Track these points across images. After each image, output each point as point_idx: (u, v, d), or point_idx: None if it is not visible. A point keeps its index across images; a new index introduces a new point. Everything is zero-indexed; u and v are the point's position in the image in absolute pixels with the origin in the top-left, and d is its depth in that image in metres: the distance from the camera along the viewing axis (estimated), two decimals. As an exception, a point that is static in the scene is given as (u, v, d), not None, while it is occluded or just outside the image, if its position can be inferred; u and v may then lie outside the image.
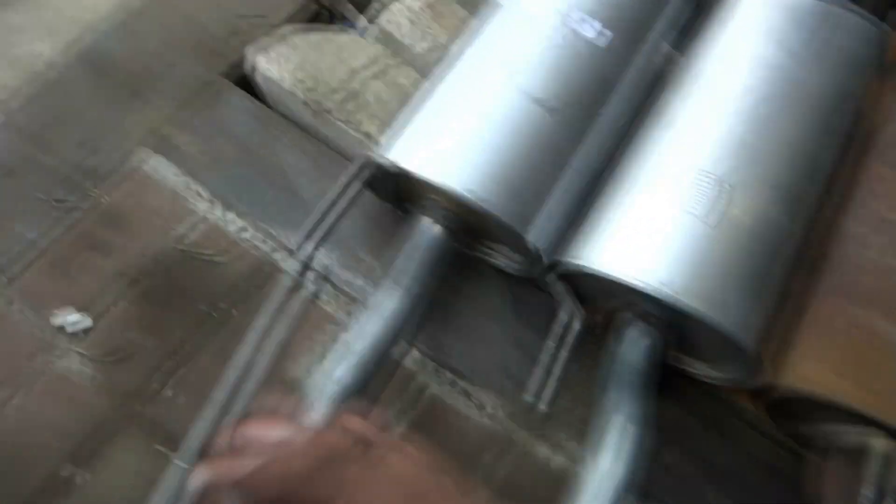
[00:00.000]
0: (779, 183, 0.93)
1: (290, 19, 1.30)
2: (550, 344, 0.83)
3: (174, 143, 1.17)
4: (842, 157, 1.01)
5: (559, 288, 0.94)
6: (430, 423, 0.99)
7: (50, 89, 1.21)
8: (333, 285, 1.07)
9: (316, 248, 0.90)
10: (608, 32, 1.03)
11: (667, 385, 0.96)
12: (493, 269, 1.07)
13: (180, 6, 1.31)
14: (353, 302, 1.05)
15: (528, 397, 0.81)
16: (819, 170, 0.97)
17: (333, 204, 0.91)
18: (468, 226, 0.99)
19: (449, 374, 1.02)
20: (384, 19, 1.28)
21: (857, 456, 0.87)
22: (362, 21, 1.35)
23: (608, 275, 0.88)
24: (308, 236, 0.88)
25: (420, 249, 0.95)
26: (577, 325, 0.85)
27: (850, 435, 0.90)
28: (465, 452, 0.98)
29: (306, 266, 0.92)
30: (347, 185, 0.92)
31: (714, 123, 0.97)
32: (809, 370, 0.89)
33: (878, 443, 0.86)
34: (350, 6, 1.39)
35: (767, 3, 1.06)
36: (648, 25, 1.09)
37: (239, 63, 1.25)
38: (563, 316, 0.86)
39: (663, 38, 1.11)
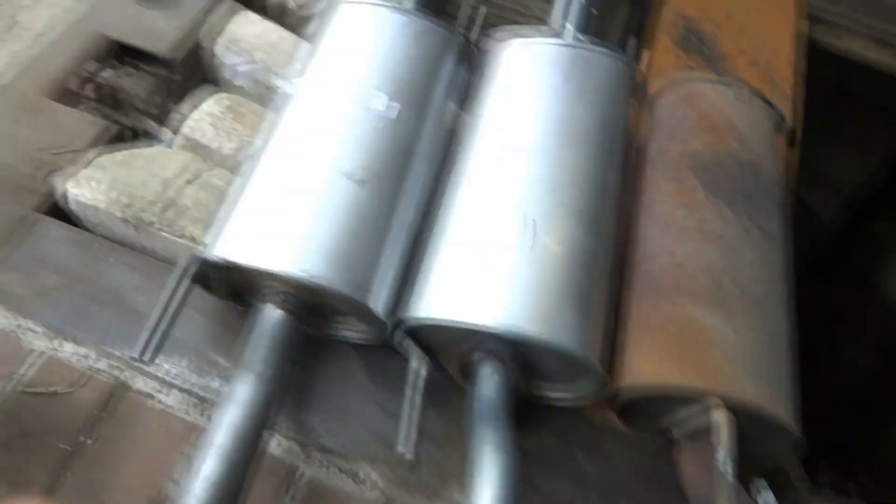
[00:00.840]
0: (576, 208, 1.04)
1: (94, 143, 1.30)
2: (407, 392, 0.87)
3: (-2, 288, 1.13)
4: (624, 174, 1.15)
5: (405, 342, 1.00)
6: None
7: None
8: (189, 393, 1.06)
9: (156, 352, 0.90)
10: (396, 104, 1.12)
11: (534, 415, 1.04)
12: (345, 343, 1.11)
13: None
14: (215, 400, 1.06)
15: (399, 448, 0.85)
16: (607, 189, 1.10)
17: (167, 307, 0.91)
18: (308, 304, 1.03)
19: (319, 454, 1.04)
20: (187, 128, 1.31)
21: (706, 435, 0.96)
22: (166, 133, 1.38)
23: (443, 322, 0.95)
24: (147, 343, 0.88)
25: (266, 335, 0.97)
26: (423, 372, 0.90)
27: (694, 417, 1.00)
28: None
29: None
30: (177, 285, 0.93)
31: (510, 166, 1.08)
32: (639, 365, 1.00)
33: (718, 414, 0.96)
34: (150, 121, 1.41)
35: (528, 56, 1.21)
36: (430, 91, 1.20)
37: (49, 194, 1.23)
38: (413, 364, 0.91)
39: (447, 100, 1.22)
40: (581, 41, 1.25)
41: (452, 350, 1.00)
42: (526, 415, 1.01)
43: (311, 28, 1.56)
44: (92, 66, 1.41)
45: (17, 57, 1.59)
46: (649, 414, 1.05)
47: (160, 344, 0.89)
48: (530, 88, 1.16)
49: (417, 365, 0.90)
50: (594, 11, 1.35)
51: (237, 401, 0.86)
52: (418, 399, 0.87)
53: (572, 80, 1.16)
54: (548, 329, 0.93)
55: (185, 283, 0.95)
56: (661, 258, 1.09)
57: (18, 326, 1.10)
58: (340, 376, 1.10)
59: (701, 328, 1.00)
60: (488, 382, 0.96)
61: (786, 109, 1.42)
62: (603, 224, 1.06)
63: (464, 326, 0.94)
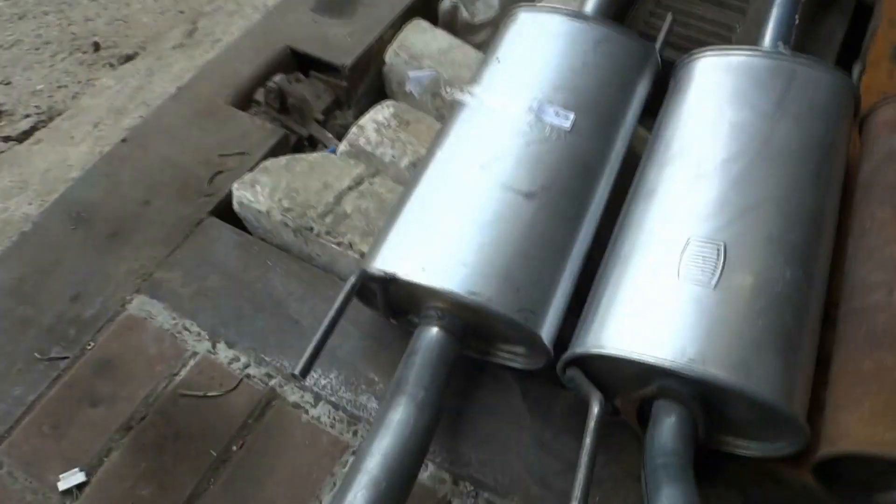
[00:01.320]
0: (775, 236, 0.91)
1: (272, 153, 1.30)
2: (586, 441, 0.77)
3: (161, 283, 1.14)
4: (837, 205, 1.00)
5: (577, 377, 0.90)
6: (457, 541, 0.92)
7: (27, 242, 1.19)
8: (339, 408, 1.02)
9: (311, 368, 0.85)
10: (570, 114, 1.04)
11: (716, 469, 0.91)
12: (503, 370, 1.03)
13: (159, 150, 1.31)
14: (363, 417, 1.00)
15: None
16: (815, 217, 0.95)
17: (331, 325, 0.87)
18: (470, 326, 0.95)
19: (470, 486, 0.96)
20: (352, 134, 1.28)
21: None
22: (333, 139, 1.37)
23: (624, 357, 0.84)
24: (311, 359, 0.83)
25: (425, 356, 0.91)
26: (599, 412, 0.79)
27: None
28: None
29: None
30: (344, 303, 0.89)
31: (695, 189, 0.96)
32: (848, 425, 0.84)
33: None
34: (318, 127, 1.40)
35: (723, 67, 1.08)
36: (610, 102, 1.10)
37: (217, 195, 1.24)
38: (591, 405, 0.81)
39: (629, 113, 1.12)
40: (783, 52, 1.11)
41: (629, 390, 0.89)
42: (705, 462, 0.88)
43: (482, 37, 1.51)
44: (265, 71, 1.42)
45: (196, 61, 1.65)
46: (856, 482, 0.89)
47: (313, 363, 0.84)
48: (725, 102, 1.04)
49: (594, 405, 0.80)
50: (797, 20, 1.21)
51: (392, 426, 0.79)
52: (593, 444, 0.77)
53: (773, 93, 1.03)
54: (743, 375, 0.81)
55: (350, 298, 0.90)
56: (874, 297, 0.93)
57: (177, 326, 1.10)
58: (498, 405, 1.01)
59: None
60: (669, 430, 0.84)
61: None
62: (809, 256, 0.92)
63: (647, 364, 0.83)
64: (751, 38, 1.27)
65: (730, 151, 0.97)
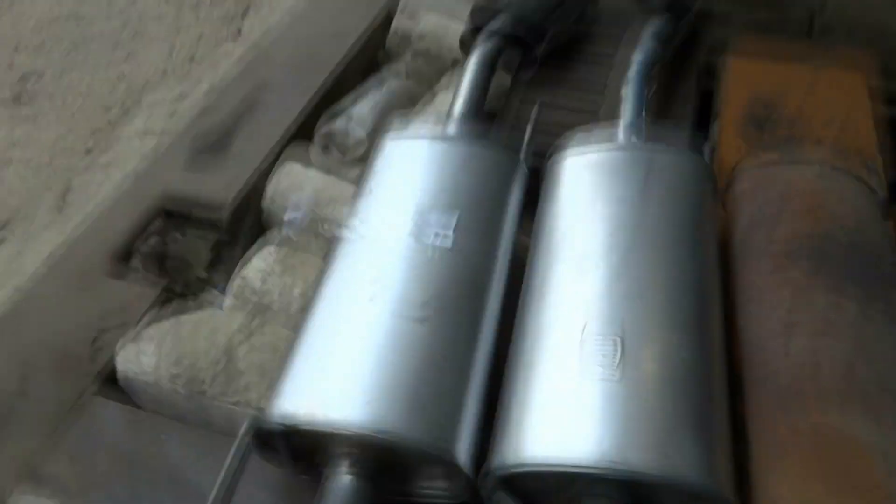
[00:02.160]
0: (668, 321, 0.92)
1: (155, 318, 1.24)
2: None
3: (49, 475, 1.04)
4: (718, 277, 1.03)
5: (499, 497, 0.86)
6: None
7: None
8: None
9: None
10: (451, 233, 1.04)
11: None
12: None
13: (32, 332, 1.24)
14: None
15: None
16: (701, 292, 0.97)
17: (229, 479, 0.81)
18: (383, 464, 0.91)
19: None
20: (237, 286, 1.25)
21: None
22: (216, 294, 1.33)
23: (540, 466, 0.82)
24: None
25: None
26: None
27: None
28: None
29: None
30: (237, 455, 0.83)
31: (582, 285, 0.97)
32: (780, 492, 0.84)
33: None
34: (211, 286, 1.36)
35: (585, 168, 1.13)
36: (486, 215, 1.12)
37: (100, 371, 1.17)
38: None
39: (505, 221, 1.13)
40: (636, 143, 1.17)
41: (559, 496, 0.86)
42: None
43: (355, 172, 1.53)
44: (148, 234, 1.38)
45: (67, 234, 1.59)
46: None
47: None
48: (593, 198, 1.07)
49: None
50: (645, 104, 1.28)
51: None
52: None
53: (635, 183, 1.07)
54: (666, 461, 0.79)
55: (245, 452, 0.84)
56: (774, 362, 0.95)
57: (69, 522, 1.00)
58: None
59: (843, 436, 0.84)
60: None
61: (872, 182, 1.30)
62: (703, 331, 0.93)
63: (565, 469, 0.81)
64: (613, 115, 1.33)
65: (607, 244, 0.99)
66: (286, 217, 1.37)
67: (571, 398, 0.86)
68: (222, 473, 0.82)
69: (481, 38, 1.47)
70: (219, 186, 1.46)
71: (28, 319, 1.26)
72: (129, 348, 1.15)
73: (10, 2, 2.48)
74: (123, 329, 1.22)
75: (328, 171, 1.47)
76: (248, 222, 1.45)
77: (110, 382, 1.17)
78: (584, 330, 0.92)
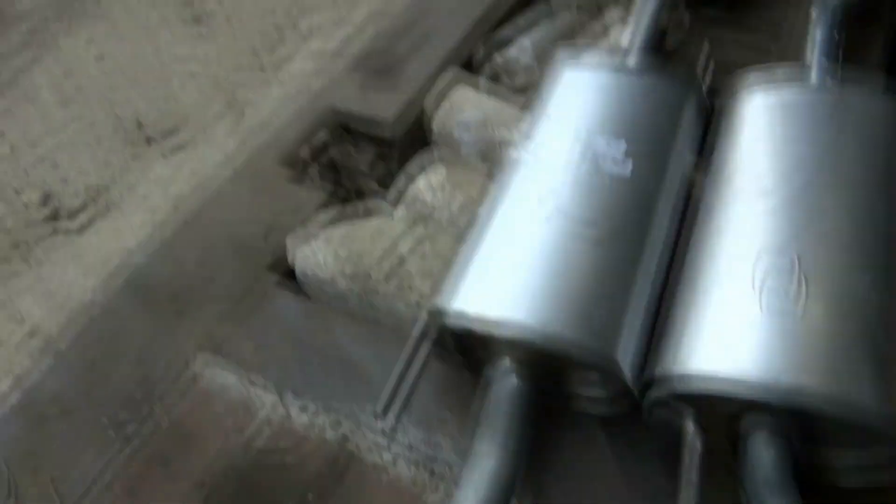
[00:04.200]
0: (856, 260, 0.90)
1: (329, 220, 1.32)
2: (684, 472, 0.75)
3: (229, 349, 1.15)
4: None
5: (664, 411, 0.88)
6: None
7: (96, 323, 1.22)
8: (419, 464, 1.00)
9: (398, 417, 0.84)
10: (630, 161, 1.05)
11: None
12: (585, 416, 1.01)
13: (218, 228, 1.35)
14: (446, 474, 0.99)
15: None
16: (890, 240, 0.94)
17: (409, 364, 0.87)
18: (548, 370, 0.94)
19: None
20: (409, 198, 1.31)
21: None
22: (387, 203, 1.39)
23: (725, 394, 0.83)
24: (389, 402, 0.83)
25: (501, 405, 0.90)
26: (699, 444, 0.77)
27: None
28: None
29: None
30: (418, 345, 0.89)
31: (766, 219, 0.96)
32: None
33: None
34: (375, 185, 1.43)
35: (779, 105, 1.09)
36: (666, 145, 1.12)
37: (280, 261, 1.26)
38: (688, 436, 0.79)
39: (685, 153, 1.13)
40: (831, 82, 1.13)
41: (717, 425, 0.87)
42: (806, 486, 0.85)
43: (528, 98, 1.55)
44: (319, 144, 1.46)
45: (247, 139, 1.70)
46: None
47: (402, 410, 0.84)
48: (782, 139, 1.05)
49: (692, 436, 0.78)
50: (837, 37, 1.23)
51: (483, 475, 0.78)
52: (696, 478, 0.75)
53: (827, 125, 1.04)
54: (840, 392, 0.79)
55: (426, 344, 0.90)
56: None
57: (249, 390, 1.10)
58: (583, 450, 0.99)
59: None
60: (765, 456, 0.82)
61: None
62: (893, 274, 0.90)
63: (742, 399, 0.81)
64: (789, 57, 1.28)
65: (795, 182, 0.98)
66: (457, 136, 1.41)
67: (749, 329, 0.87)
68: (406, 351, 0.87)
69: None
70: (386, 105, 1.52)
71: (212, 215, 1.37)
72: (306, 247, 1.24)
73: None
74: (303, 226, 1.31)
75: (497, 95, 1.50)
76: (412, 140, 1.51)
77: (288, 276, 1.26)
78: (767, 263, 0.91)
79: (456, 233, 1.24)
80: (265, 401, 1.08)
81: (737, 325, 0.87)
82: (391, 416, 0.83)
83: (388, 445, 1.02)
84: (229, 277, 1.26)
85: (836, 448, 0.88)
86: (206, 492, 1.00)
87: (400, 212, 1.30)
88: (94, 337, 1.20)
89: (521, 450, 0.84)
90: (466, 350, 1.00)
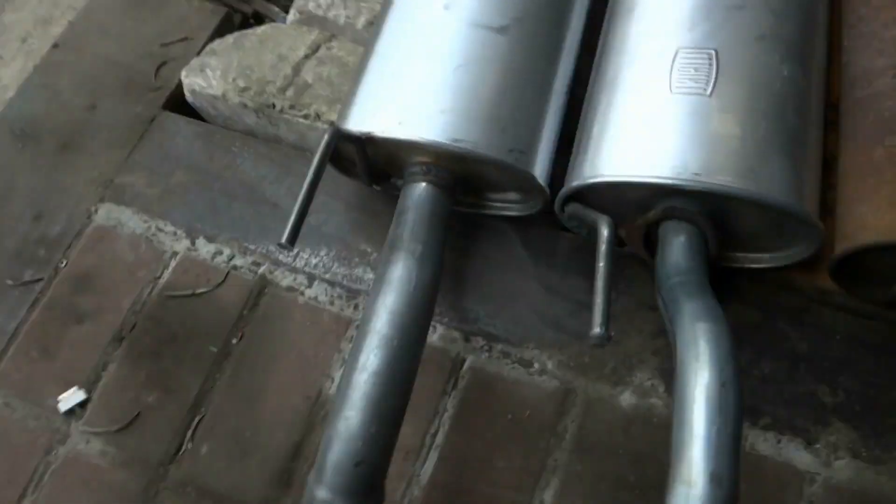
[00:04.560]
0: (764, 34, 0.84)
1: (217, 34, 1.20)
2: (600, 265, 0.73)
3: (124, 188, 1.07)
4: (825, 10, 0.94)
5: (578, 209, 0.85)
6: (479, 398, 0.90)
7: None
8: (335, 284, 0.97)
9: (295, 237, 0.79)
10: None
11: (729, 287, 0.89)
12: (498, 221, 0.98)
13: (96, 51, 1.21)
14: (363, 291, 0.97)
15: (595, 329, 0.71)
16: (803, 12, 0.88)
17: (313, 185, 0.81)
18: (458, 178, 0.89)
19: (482, 340, 0.93)
20: (301, 1, 1.18)
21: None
22: (279, 12, 1.27)
23: (633, 180, 0.80)
24: (297, 226, 0.78)
25: (412, 212, 0.85)
26: (608, 234, 0.75)
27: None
28: (526, 420, 0.89)
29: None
30: (321, 163, 0.82)
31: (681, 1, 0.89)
32: (863, 217, 0.81)
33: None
34: (270, 5, 1.29)
35: None
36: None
37: (166, 88, 1.15)
38: (600, 228, 0.76)
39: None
40: None
41: (633, 219, 0.85)
42: (717, 281, 0.85)
43: None
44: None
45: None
46: (875, 277, 0.86)
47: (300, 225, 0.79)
48: None
49: (603, 228, 0.76)
50: None
51: (393, 283, 0.75)
52: (608, 267, 0.73)
53: None
54: (751, 181, 0.76)
55: (326, 159, 0.83)
56: (879, 84, 0.87)
57: (150, 228, 1.04)
58: (499, 257, 0.97)
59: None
60: (680, 249, 0.80)
61: None
62: (805, 51, 0.86)
63: (651, 185, 0.78)
64: None
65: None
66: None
67: (656, 113, 0.82)
68: (309, 175, 0.82)
69: None
70: None
71: (90, 42, 1.22)
72: (194, 63, 1.12)
73: None
74: (186, 44, 1.19)
75: None
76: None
77: (178, 99, 1.15)
78: (677, 44, 0.85)
79: (354, 35, 1.14)
80: (174, 245, 1.02)
81: (647, 117, 0.82)
82: (296, 242, 0.78)
83: (302, 271, 0.99)
84: (119, 111, 1.15)
85: (748, 246, 0.88)
86: (116, 339, 0.96)
87: (292, 16, 1.18)
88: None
89: (432, 256, 0.80)
90: (373, 166, 0.94)
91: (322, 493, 0.66)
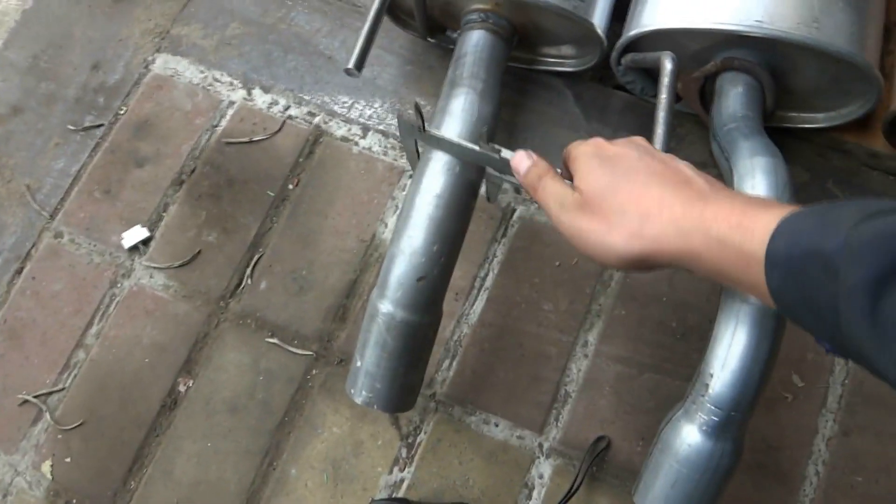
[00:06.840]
0: None
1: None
2: (662, 97, 0.73)
3: (180, 38, 1.08)
4: None
5: (638, 57, 0.85)
6: (528, 246, 0.93)
7: (31, 21, 1.12)
8: (388, 134, 0.99)
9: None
10: None
11: (779, 147, 0.89)
12: (550, 76, 0.99)
13: None
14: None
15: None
16: None
17: (379, 12, 0.81)
18: (515, 27, 0.90)
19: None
20: None
21: None
22: None
23: (694, 26, 0.79)
24: (363, 52, 0.78)
25: (471, 55, 0.85)
26: (670, 66, 0.75)
27: None
28: (573, 268, 0.91)
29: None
30: (379, 13, 0.83)
31: None
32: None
33: None
34: None
35: None
36: None
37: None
38: (665, 63, 0.76)
39: None
40: None
41: (690, 71, 0.85)
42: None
43: None
44: None
45: None
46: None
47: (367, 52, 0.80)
48: None
49: (667, 63, 0.76)
50: None
51: (455, 114, 0.76)
52: (670, 99, 0.73)
53: None
54: (814, 29, 0.76)
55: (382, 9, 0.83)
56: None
57: (206, 78, 1.05)
58: (551, 112, 0.98)
59: None
60: (737, 99, 0.80)
61: None
62: None
63: (713, 31, 0.78)
64: None
65: None
66: None
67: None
68: (375, 6, 0.82)
69: None
70: None
71: None
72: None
73: None
74: None
75: None
76: None
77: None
78: None
79: None
80: (231, 94, 1.04)
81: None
82: (363, 68, 0.79)
83: (356, 122, 1.00)
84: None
85: (804, 110, 0.88)
86: (176, 182, 0.99)
87: None
88: (36, 36, 1.11)
89: (492, 95, 0.81)
90: (430, 17, 0.94)
91: (385, 306, 0.69)
